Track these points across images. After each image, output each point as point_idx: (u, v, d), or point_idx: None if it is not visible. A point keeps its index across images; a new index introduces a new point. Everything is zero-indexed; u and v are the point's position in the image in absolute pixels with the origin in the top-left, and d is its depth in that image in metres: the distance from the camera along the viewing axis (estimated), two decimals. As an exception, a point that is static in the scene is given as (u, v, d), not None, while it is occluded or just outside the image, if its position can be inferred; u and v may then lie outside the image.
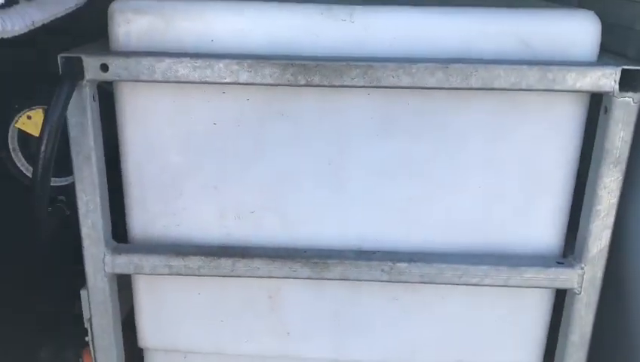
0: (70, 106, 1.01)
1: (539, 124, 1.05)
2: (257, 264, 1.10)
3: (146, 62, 0.99)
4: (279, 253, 1.10)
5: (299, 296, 1.17)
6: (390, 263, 1.08)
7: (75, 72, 1.00)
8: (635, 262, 1.12)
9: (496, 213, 1.10)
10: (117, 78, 1.01)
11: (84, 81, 1.01)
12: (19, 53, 1.18)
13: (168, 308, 1.20)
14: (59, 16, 1.06)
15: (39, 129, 1.05)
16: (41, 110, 1.24)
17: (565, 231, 1.12)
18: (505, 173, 1.08)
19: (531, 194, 1.09)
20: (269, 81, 0.98)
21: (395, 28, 1.00)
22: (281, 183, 1.10)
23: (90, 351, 1.38)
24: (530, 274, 1.08)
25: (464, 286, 1.10)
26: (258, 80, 0.98)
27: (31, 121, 1.26)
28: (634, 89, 0.97)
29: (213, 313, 1.20)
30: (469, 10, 1.02)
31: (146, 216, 1.13)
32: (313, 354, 1.22)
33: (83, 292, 1.23)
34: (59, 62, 1.00)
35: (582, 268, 1.08)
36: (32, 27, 0.96)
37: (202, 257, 1.10)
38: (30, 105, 1.25)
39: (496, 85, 0.97)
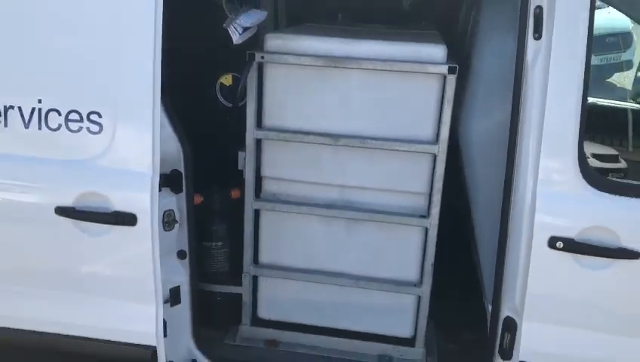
0: (247, 72, 2.80)
1: (421, 87, 2.75)
2: (323, 139, 2.83)
3: (277, 56, 2.77)
4: (327, 133, 2.83)
5: (335, 153, 2.88)
6: (360, 139, 2.80)
7: (252, 58, 2.78)
8: (467, 137, 2.79)
9: (401, 119, 2.80)
10: (267, 62, 2.79)
11: (254, 62, 2.79)
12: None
13: (276, 155, 2.94)
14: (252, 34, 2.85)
15: (229, 81, 2.87)
16: (230, 75, 3.06)
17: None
18: (403, 106, 2.77)
19: (418, 111, 2.79)
20: (323, 64, 2.74)
21: (366, 47, 2.75)
22: (327, 106, 2.83)
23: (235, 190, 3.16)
24: (419, 145, 2.79)
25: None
26: (318, 64, 2.74)
27: (225, 79, 3.08)
28: (454, 72, 2.67)
29: (301, 158, 2.90)
30: (396, 42, 2.76)
31: (272, 117, 2.89)
32: (341, 182, 2.94)
33: (241, 153, 2.99)
34: (246, 54, 2.78)
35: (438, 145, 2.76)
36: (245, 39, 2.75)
37: (300, 135, 2.84)
38: (225, 72, 3.07)
39: (400, 69, 2.69)
